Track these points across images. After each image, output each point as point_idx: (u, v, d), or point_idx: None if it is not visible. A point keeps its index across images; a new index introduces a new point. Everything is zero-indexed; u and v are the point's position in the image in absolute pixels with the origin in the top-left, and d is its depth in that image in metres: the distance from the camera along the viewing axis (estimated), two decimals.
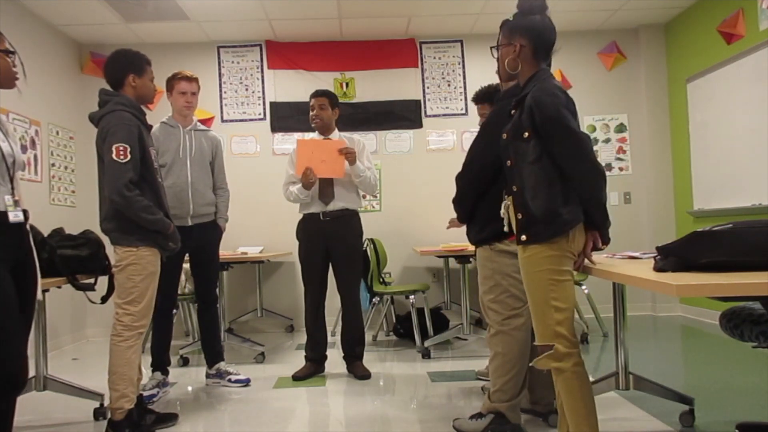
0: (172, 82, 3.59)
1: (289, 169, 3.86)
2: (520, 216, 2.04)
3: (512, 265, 2.57)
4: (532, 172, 1.99)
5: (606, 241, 2.05)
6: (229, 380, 3.69)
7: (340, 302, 3.88)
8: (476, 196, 2.65)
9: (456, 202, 2.78)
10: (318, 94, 3.88)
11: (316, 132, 3.92)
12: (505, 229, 2.18)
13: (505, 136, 2.12)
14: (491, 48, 2.26)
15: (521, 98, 2.06)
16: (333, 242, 3.76)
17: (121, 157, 2.60)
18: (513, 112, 2.11)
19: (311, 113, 3.85)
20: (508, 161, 2.09)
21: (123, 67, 2.82)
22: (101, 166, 2.74)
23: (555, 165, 1.97)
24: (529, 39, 2.08)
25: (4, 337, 2.06)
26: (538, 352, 2.04)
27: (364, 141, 4.00)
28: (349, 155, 3.69)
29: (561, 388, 2.01)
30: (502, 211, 2.19)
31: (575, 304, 2.07)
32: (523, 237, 2.02)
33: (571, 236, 1.98)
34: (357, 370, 3.81)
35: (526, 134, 2.00)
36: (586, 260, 2.05)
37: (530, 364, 2.15)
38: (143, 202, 2.65)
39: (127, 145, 2.62)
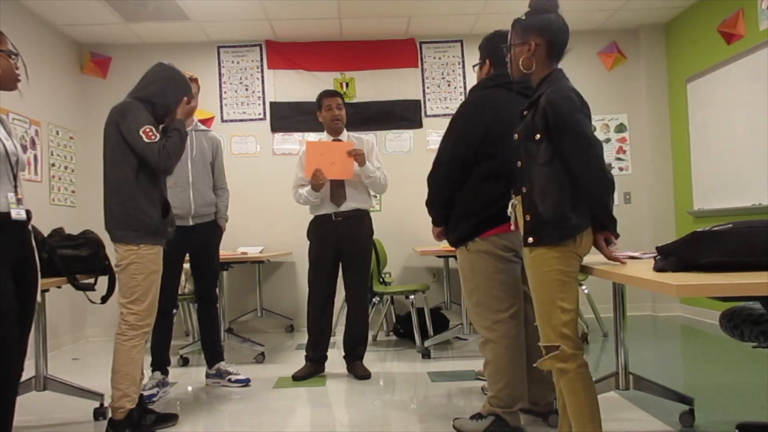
0: None
1: (298, 172, 3.85)
2: (528, 218, 2.01)
3: (491, 265, 2.54)
4: (543, 175, 1.97)
5: (616, 236, 2.02)
6: (229, 380, 3.69)
7: (347, 302, 3.88)
8: (449, 193, 2.61)
9: (429, 203, 2.73)
10: (333, 93, 3.88)
11: (325, 132, 3.91)
12: (512, 228, 2.16)
13: (516, 136, 2.09)
14: (503, 47, 2.21)
15: (535, 100, 2.03)
16: (345, 242, 3.76)
17: (153, 137, 2.65)
18: (525, 113, 2.09)
19: (329, 113, 3.81)
20: (519, 162, 2.07)
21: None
22: (115, 149, 2.71)
23: (566, 168, 1.95)
24: (544, 38, 2.04)
25: (1, 343, 2.06)
26: (542, 353, 2.02)
27: (373, 141, 3.99)
28: (359, 157, 3.70)
29: (564, 389, 1.99)
30: (509, 209, 2.17)
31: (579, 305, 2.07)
32: (530, 239, 2.00)
33: (578, 240, 1.96)
34: (357, 370, 3.81)
35: (538, 136, 1.97)
36: (617, 256, 2.04)
37: (534, 365, 2.13)
38: (166, 146, 2.68)
39: (152, 126, 2.67)
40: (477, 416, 2.62)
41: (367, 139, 3.93)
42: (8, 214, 2.09)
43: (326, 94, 3.87)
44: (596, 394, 2.01)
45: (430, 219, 2.79)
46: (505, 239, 2.53)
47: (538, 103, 2.00)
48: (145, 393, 3.26)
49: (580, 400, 1.96)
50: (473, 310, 2.63)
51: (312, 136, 4.00)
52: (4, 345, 2.07)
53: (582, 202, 1.96)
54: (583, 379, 1.97)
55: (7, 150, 2.11)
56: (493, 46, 2.66)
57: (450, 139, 2.64)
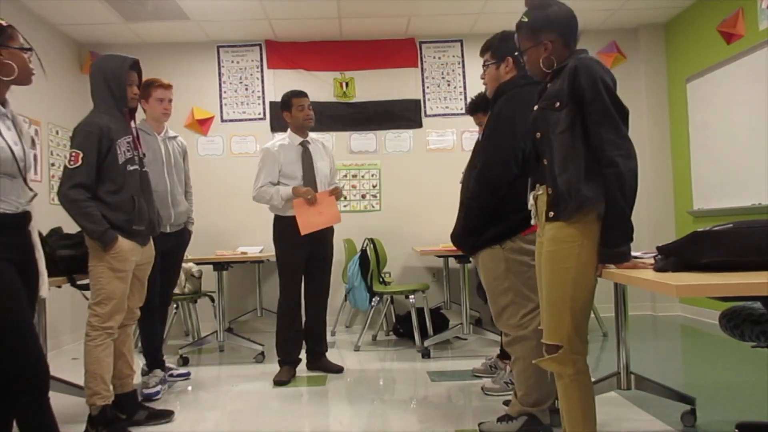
0: (149, 89, 3.55)
1: (265, 170, 3.88)
2: (550, 191, 1.94)
3: (525, 264, 2.48)
4: (562, 143, 1.90)
5: (604, 260, 1.89)
6: (171, 375, 3.71)
7: (313, 301, 3.90)
8: (495, 206, 2.48)
9: (468, 229, 2.57)
10: (303, 93, 3.88)
11: (289, 131, 3.89)
12: (532, 221, 2.07)
13: (536, 107, 2.02)
14: (516, 55, 2.13)
15: (559, 69, 1.96)
16: (317, 244, 3.78)
17: (72, 162, 2.67)
18: (548, 84, 2.02)
19: (302, 113, 3.82)
20: (538, 133, 2.00)
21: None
22: None
23: (585, 136, 1.88)
24: (558, 32, 1.98)
25: (27, 338, 2.08)
26: (544, 350, 1.97)
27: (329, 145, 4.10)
28: (338, 194, 3.85)
29: (560, 392, 1.97)
30: (530, 202, 2.07)
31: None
32: (551, 213, 1.92)
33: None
34: (331, 365, 3.90)
35: (558, 104, 1.90)
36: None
37: (533, 362, 2.10)
38: (86, 209, 2.66)
39: (79, 152, 2.67)
40: (506, 418, 2.54)
41: (328, 145, 4.04)
42: (15, 215, 2.11)
43: (296, 94, 3.85)
44: (593, 401, 1.95)
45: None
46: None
47: (562, 71, 1.94)
48: (150, 390, 3.33)
49: (573, 406, 1.92)
50: (502, 311, 2.57)
51: (279, 138, 3.98)
52: (29, 339, 2.09)
53: (596, 176, 1.88)
54: (579, 386, 1.92)
55: (15, 155, 2.13)
56: (513, 45, 2.61)
57: (494, 144, 2.50)
